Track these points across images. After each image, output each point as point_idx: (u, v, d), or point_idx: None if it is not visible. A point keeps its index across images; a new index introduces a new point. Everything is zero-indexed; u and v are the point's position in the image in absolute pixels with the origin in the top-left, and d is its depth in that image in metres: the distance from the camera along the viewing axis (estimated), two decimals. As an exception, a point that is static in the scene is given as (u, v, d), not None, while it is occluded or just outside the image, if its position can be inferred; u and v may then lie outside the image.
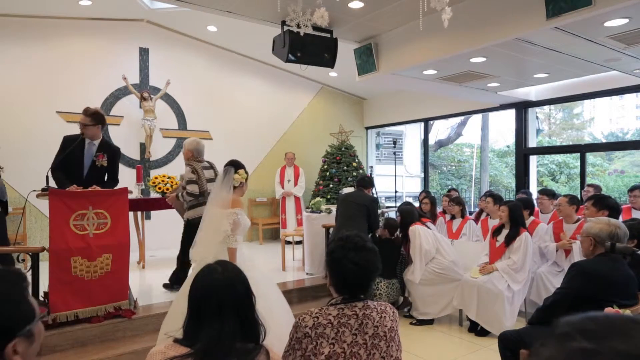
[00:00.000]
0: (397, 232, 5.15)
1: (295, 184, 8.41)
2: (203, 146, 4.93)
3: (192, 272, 3.44)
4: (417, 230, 4.81)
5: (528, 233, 4.47)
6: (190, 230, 4.50)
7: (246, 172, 3.37)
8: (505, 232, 4.52)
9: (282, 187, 8.43)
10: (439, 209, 6.52)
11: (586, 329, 0.51)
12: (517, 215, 4.47)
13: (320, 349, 1.64)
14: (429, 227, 4.96)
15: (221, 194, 3.27)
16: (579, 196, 5.86)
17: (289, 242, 7.30)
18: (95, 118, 4.08)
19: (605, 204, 3.58)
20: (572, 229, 4.62)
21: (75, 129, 4.31)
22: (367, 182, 5.24)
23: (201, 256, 3.18)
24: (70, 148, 3.99)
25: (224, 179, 3.28)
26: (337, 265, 1.76)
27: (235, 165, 3.34)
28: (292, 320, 3.12)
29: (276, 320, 2.73)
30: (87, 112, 4.07)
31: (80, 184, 3.94)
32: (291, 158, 8.51)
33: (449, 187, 9.79)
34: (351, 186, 7.96)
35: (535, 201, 5.73)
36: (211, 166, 4.89)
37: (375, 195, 5.67)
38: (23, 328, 0.98)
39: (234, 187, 3.27)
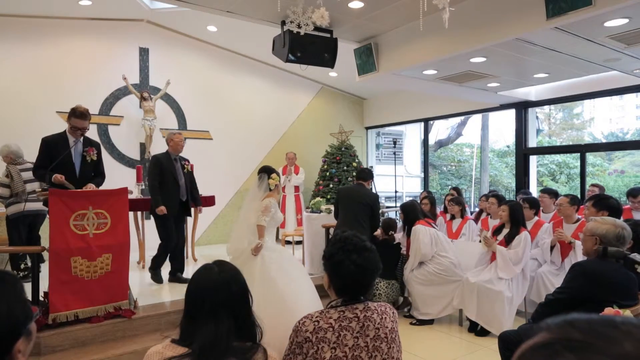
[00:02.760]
0: (392, 232, 5.16)
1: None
2: (18, 148, 5.35)
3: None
4: (418, 231, 4.80)
5: (528, 232, 4.46)
6: (10, 225, 5.14)
7: (278, 175, 3.98)
8: (505, 231, 4.52)
9: (283, 188, 8.43)
10: (440, 209, 6.57)
11: (572, 340, 0.49)
12: (517, 214, 4.47)
13: (321, 354, 1.62)
14: (433, 227, 4.96)
15: (257, 196, 3.89)
16: (579, 196, 5.87)
17: (288, 242, 7.30)
18: (89, 117, 4.08)
19: (605, 204, 3.54)
20: (572, 228, 4.61)
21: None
22: (367, 174, 5.15)
23: (235, 248, 3.84)
24: (67, 151, 3.95)
25: (259, 184, 3.92)
26: (339, 268, 1.73)
27: (268, 171, 3.96)
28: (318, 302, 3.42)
29: (305, 303, 3.24)
30: (86, 116, 4.01)
31: (75, 183, 3.93)
32: (292, 158, 8.50)
33: (450, 186, 9.79)
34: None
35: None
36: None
37: (374, 191, 5.63)
38: (25, 327, 1.00)
39: (270, 189, 3.90)
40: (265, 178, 3.91)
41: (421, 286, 4.79)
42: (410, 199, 8.63)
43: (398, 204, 7.17)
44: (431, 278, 4.73)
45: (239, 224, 4.00)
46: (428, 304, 4.78)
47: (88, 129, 4.11)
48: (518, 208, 4.54)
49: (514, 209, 4.49)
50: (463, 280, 4.58)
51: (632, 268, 2.37)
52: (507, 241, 4.43)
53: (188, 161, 5.42)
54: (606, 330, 0.49)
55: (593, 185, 5.89)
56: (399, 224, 5.47)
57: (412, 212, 5.00)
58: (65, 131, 4.06)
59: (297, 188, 8.46)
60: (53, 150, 3.93)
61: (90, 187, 3.98)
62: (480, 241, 4.76)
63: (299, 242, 7.00)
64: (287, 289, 3.43)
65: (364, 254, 1.74)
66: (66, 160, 3.98)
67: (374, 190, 5.53)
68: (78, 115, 3.95)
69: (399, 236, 5.23)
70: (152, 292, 5.01)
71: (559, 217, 4.97)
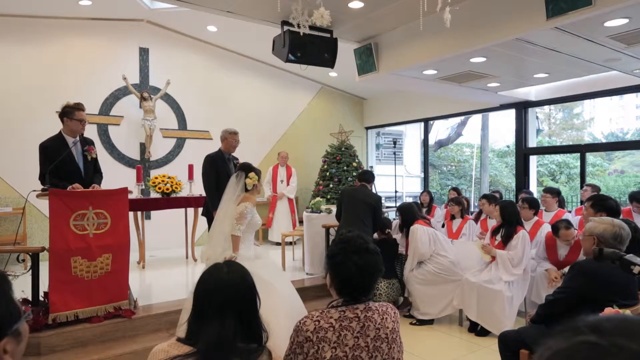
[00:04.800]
0: (388, 230, 5.17)
1: (288, 184, 8.25)
2: None
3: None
4: (416, 230, 4.81)
5: (525, 231, 4.44)
6: None
7: (257, 174, 3.58)
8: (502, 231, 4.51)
9: (274, 188, 8.24)
10: (442, 210, 6.76)
11: (598, 326, 0.51)
12: (509, 213, 4.44)
13: (322, 353, 1.62)
14: (431, 226, 4.99)
15: (232, 197, 3.53)
16: (579, 196, 5.86)
17: (278, 243, 7.27)
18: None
19: (604, 205, 3.50)
20: (567, 250, 4.53)
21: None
22: (370, 176, 5.17)
23: (207, 255, 3.50)
24: (67, 151, 3.89)
25: (236, 183, 3.55)
26: (340, 268, 1.73)
27: (245, 169, 3.58)
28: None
29: (287, 318, 2.90)
30: (83, 107, 3.99)
31: (81, 184, 3.89)
32: (285, 157, 8.31)
33: (450, 186, 9.83)
34: (349, 185, 7.98)
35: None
36: None
37: (376, 192, 5.69)
38: (11, 327, 0.98)
39: (247, 190, 3.54)
40: (243, 177, 3.54)
41: (421, 286, 4.79)
42: (408, 200, 8.67)
43: (398, 204, 7.20)
44: (431, 278, 4.74)
45: (214, 228, 3.67)
46: (428, 304, 4.78)
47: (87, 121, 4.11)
48: (508, 207, 4.51)
49: (504, 208, 4.47)
50: (463, 280, 4.58)
51: (628, 269, 2.37)
52: (505, 241, 4.42)
53: (238, 160, 5.17)
54: (636, 325, 0.51)
55: (587, 185, 5.87)
56: (394, 223, 5.49)
57: (409, 213, 5.01)
58: (60, 132, 3.98)
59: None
60: (55, 154, 3.84)
61: (95, 187, 3.98)
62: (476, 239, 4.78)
63: (290, 243, 7.00)
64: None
65: (365, 255, 1.73)
66: (69, 162, 3.93)
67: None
68: (81, 107, 3.94)
69: (398, 237, 5.25)
70: (152, 292, 5.01)
71: (558, 218, 4.97)
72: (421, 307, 4.80)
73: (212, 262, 3.37)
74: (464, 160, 16.13)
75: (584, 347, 0.49)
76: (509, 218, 4.43)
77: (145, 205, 6.24)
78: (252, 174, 3.54)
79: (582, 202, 5.58)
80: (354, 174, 8.38)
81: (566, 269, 4.17)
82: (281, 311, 3.05)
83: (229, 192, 3.58)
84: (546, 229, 4.79)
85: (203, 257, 3.62)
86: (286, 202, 8.24)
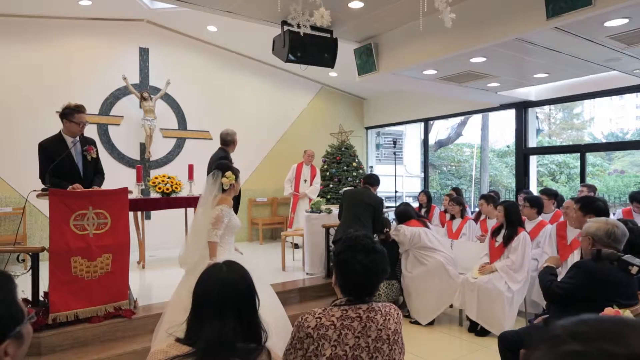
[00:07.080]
0: (387, 229, 5.18)
1: (311, 184, 8.02)
2: None
3: (182, 278, 3.49)
4: (400, 230, 4.87)
5: (527, 233, 4.45)
6: None
7: (234, 173, 3.39)
8: (504, 232, 4.51)
9: (297, 187, 8.01)
10: (441, 209, 6.83)
11: (577, 332, 0.51)
12: (513, 215, 4.44)
13: (322, 351, 1.63)
14: (427, 226, 4.99)
15: (209, 197, 3.35)
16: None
17: (296, 245, 7.22)
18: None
19: (591, 207, 3.45)
20: (577, 232, 4.53)
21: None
22: (374, 180, 5.21)
23: (185, 259, 3.35)
24: (67, 151, 3.88)
25: (213, 183, 3.35)
26: (345, 266, 1.73)
27: (222, 168, 3.41)
28: (286, 323, 3.15)
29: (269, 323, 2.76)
30: (84, 109, 3.98)
31: (81, 184, 3.89)
32: (311, 155, 8.07)
33: (450, 186, 9.85)
34: (351, 186, 7.97)
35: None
36: None
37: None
38: (13, 329, 0.97)
39: (224, 190, 3.35)
40: (219, 176, 3.34)
41: (412, 290, 4.80)
42: (408, 200, 8.68)
43: (398, 204, 7.22)
44: (426, 279, 4.74)
45: (192, 232, 3.49)
46: (420, 307, 4.77)
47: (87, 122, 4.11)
48: (513, 208, 4.50)
49: (509, 209, 4.47)
50: (463, 280, 4.57)
51: (626, 269, 2.37)
52: (505, 242, 4.42)
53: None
54: (614, 326, 0.51)
55: (583, 185, 5.83)
56: (394, 224, 5.49)
57: (405, 216, 5.01)
58: (60, 132, 3.98)
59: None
60: (54, 154, 3.84)
61: (95, 189, 3.98)
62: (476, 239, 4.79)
63: (291, 244, 6.95)
64: None
65: (371, 255, 1.73)
66: (68, 162, 3.93)
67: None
68: (82, 109, 3.93)
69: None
70: (152, 292, 5.01)
71: (558, 219, 4.95)
72: (414, 309, 4.81)
73: (193, 269, 3.20)
74: (464, 160, 16.13)
75: (569, 357, 0.49)
76: (512, 219, 4.43)
77: (145, 205, 6.23)
78: (228, 173, 3.35)
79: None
80: (354, 173, 8.38)
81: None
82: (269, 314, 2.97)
83: (206, 193, 3.39)
84: (549, 229, 4.78)
85: (182, 264, 3.40)
86: (307, 203, 8.00)
